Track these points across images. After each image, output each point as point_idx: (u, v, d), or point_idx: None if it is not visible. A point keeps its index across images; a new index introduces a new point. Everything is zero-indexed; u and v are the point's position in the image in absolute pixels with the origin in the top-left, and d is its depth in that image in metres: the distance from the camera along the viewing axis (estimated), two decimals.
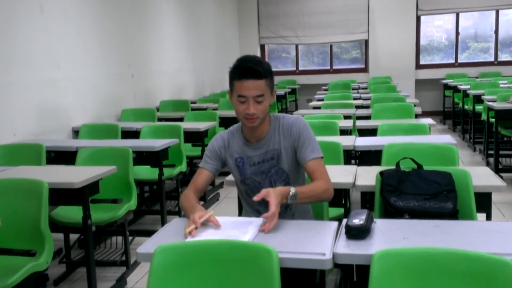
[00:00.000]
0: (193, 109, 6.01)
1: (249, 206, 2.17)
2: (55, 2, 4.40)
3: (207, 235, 1.74)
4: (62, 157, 3.72)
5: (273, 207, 1.73)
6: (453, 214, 1.99)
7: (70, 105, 4.58)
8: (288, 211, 2.11)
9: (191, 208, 1.91)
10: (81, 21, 4.82)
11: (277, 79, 10.24)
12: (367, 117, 4.86)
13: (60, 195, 2.66)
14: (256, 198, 1.77)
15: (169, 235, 1.81)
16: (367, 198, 2.52)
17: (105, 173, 2.80)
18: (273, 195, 1.76)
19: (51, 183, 2.48)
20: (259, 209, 2.10)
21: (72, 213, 3.03)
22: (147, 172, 4.04)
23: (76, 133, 4.54)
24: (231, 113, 5.59)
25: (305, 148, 2.00)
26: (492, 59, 9.72)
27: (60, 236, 3.32)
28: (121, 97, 5.52)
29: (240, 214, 2.43)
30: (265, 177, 2.06)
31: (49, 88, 4.31)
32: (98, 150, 3.41)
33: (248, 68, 1.90)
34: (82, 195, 2.65)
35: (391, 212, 2.05)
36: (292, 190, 1.84)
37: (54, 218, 3.04)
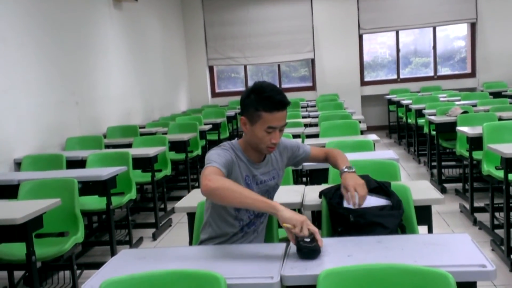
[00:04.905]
0: (142, 134, 5.91)
1: (233, 220, 2.09)
2: None
3: None
4: (3, 191, 3.57)
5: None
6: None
7: (11, 136, 4.42)
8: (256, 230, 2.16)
9: (260, 200, 1.76)
10: (21, 48, 4.69)
11: (227, 99, 10.30)
12: (316, 135, 4.95)
13: (1, 232, 2.55)
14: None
15: (116, 268, 1.77)
16: (315, 216, 2.57)
17: (49, 206, 2.71)
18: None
19: None
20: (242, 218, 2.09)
21: (15, 249, 2.90)
22: (95, 201, 3.93)
23: (18, 165, 4.36)
24: (181, 136, 5.56)
25: (301, 148, 2.26)
26: (432, 73, 10.19)
27: (4, 274, 3.18)
28: (66, 125, 5.37)
29: (191, 240, 2.39)
30: (265, 192, 2.11)
31: None
32: (42, 182, 3.31)
33: (279, 101, 1.94)
34: (25, 231, 2.55)
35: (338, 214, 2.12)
36: (346, 168, 2.11)
37: None
